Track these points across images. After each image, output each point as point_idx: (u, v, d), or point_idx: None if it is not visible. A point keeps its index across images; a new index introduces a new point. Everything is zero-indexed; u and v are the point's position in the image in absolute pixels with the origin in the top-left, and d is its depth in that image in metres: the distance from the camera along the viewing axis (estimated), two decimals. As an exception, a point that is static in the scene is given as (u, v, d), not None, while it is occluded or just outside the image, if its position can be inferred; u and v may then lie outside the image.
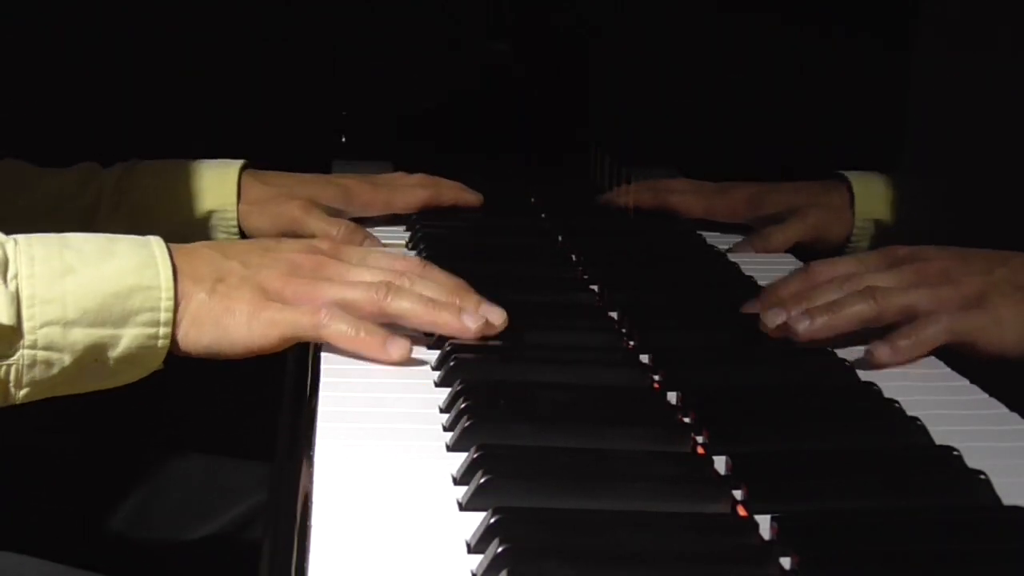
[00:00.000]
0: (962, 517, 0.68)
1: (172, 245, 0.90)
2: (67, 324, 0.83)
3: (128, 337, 0.85)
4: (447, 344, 0.89)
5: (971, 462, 0.72)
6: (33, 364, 0.83)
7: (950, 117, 1.29)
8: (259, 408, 1.12)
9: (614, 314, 1.01)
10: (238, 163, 1.21)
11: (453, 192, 1.30)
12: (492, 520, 0.63)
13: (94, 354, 0.84)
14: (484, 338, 0.92)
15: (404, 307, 0.91)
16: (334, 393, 0.83)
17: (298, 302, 0.90)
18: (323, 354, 0.91)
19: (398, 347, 0.89)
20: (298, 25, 1.62)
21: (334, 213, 1.22)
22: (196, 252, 0.92)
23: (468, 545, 0.64)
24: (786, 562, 0.62)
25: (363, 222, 1.24)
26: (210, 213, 1.18)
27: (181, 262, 0.89)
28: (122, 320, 0.85)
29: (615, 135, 1.58)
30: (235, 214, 1.19)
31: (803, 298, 0.95)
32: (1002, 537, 0.65)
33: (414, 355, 0.91)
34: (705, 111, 1.55)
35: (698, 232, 1.29)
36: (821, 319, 0.93)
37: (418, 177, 1.31)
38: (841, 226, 1.24)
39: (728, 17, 1.54)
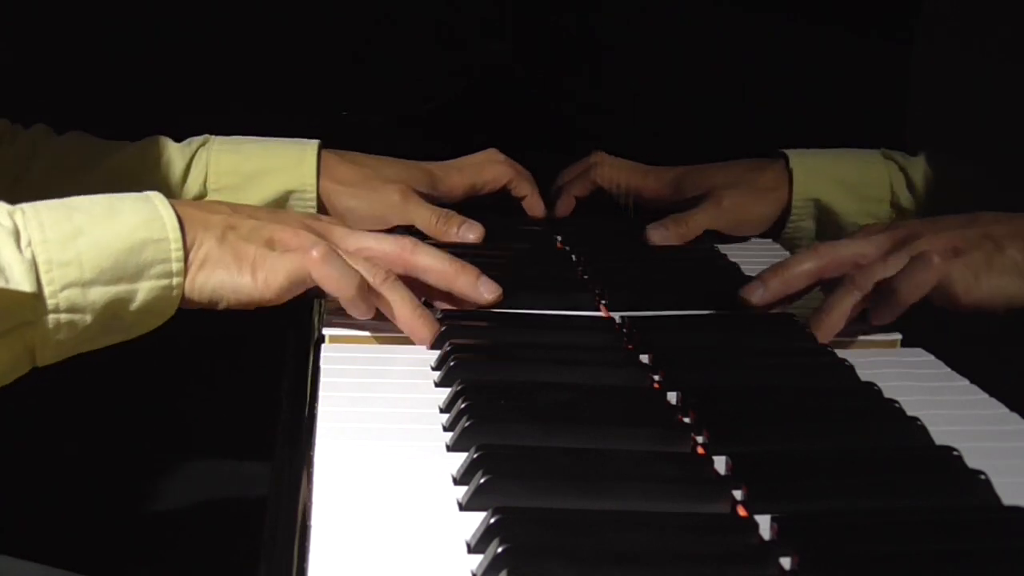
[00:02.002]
0: (962, 517, 0.68)
1: (178, 200, 0.92)
2: (86, 284, 0.85)
3: (144, 290, 0.87)
4: (447, 344, 0.89)
5: (971, 462, 0.72)
6: (58, 327, 0.84)
7: (950, 114, 1.29)
8: (259, 408, 1.12)
9: (614, 314, 1.01)
10: (315, 142, 1.20)
11: (529, 186, 1.29)
12: (492, 520, 0.63)
13: (114, 310, 0.86)
14: (484, 334, 0.93)
15: (427, 262, 0.95)
16: (334, 393, 0.83)
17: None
18: (323, 354, 0.91)
19: (365, 311, 0.92)
20: (298, 25, 1.62)
21: (421, 198, 1.21)
22: (208, 204, 0.95)
23: (468, 545, 0.64)
24: (786, 562, 0.62)
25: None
26: (288, 193, 1.17)
27: (192, 212, 0.91)
28: (137, 274, 0.87)
29: (615, 135, 1.58)
30: (314, 193, 1.17)
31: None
32: (1002, 537, 0.65)
33: (414, 355, 0.91)
34: (705, 110, 1.55)
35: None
36: (824, 329, 0.95)
37: (489, 152, 1.29)
38: (770, 205, 1.23)
39: (728, 16, 1.54)
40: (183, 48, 1.58)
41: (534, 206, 1.30)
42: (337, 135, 1.48)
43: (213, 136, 1.20)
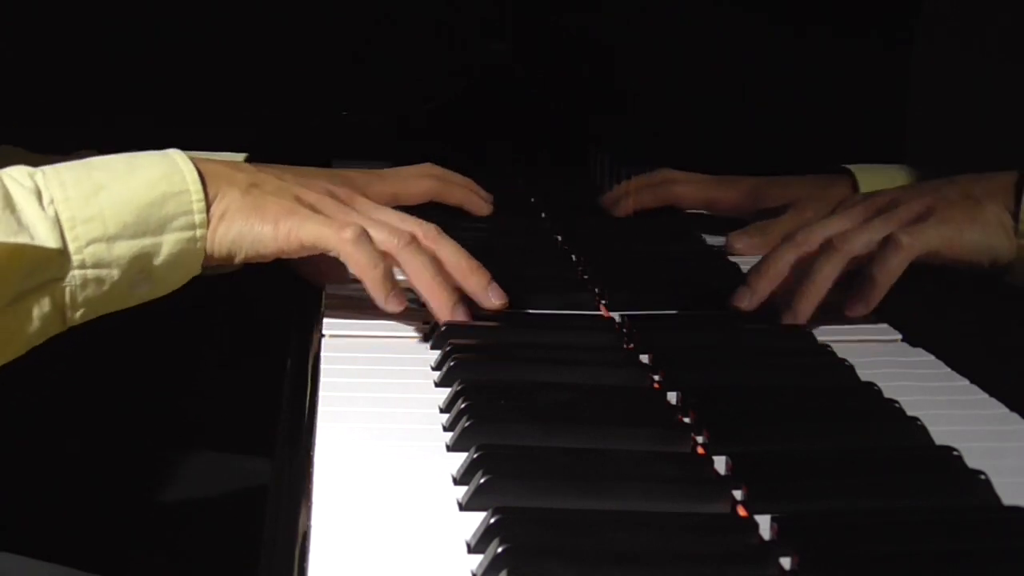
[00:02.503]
0: (962, 517, 0.68)
1: (201, 158, 0.92)
2: (110, 239, 0.85)
3: (169, 243, 0.88)
4: (447, 344, 0.89)
5: (971, 462, 0.72)
6: (85, 283, 0.85)
7: (950, 115, 1.29)
8: (259, 407, 1.12)
9: (614, 314, 1.01)
10: (240, 156, 1.21)
11: (462, 192, 1.30)
12: (492, 520, 0.63)
13: (139, 264, 0.87)
14: (484, 334, 0.94)
15: (445, 253, 0.96)
16: (334, 393, 0.83)
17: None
18: (323, 354, 0.91)
19: (397, 301, 0.93)
20: (298, 25, 1.62)
21: None
22: (232, 163, 0.96)
23: (468, 545, 0.64)
24: (786, 562, 0.62)
25: None
26: None
27: (217, 169, 0.92)
28: (160, 227, 0.88)
29: (615, 135, 1.58)
30: None
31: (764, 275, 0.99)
32: (1002, 537, 0.65)
33: (414, 355, 0.91)
34: (705, 111, 1.55)
35: (698, 232, 1.29)
36: (805, 303, 0.96)
37: (423, 166, 1.30)
38: None
39: (728, 16, 1.54)
40: (183, 48, 1.58)
41: (475, 208, 1.30)
42: (337, 135, 1.48)
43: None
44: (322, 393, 0.83)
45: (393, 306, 0.93)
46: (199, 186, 0.89)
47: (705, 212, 1.32)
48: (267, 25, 1.61)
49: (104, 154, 1.20)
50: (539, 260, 1.19)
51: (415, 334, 0.95)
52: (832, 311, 0.98)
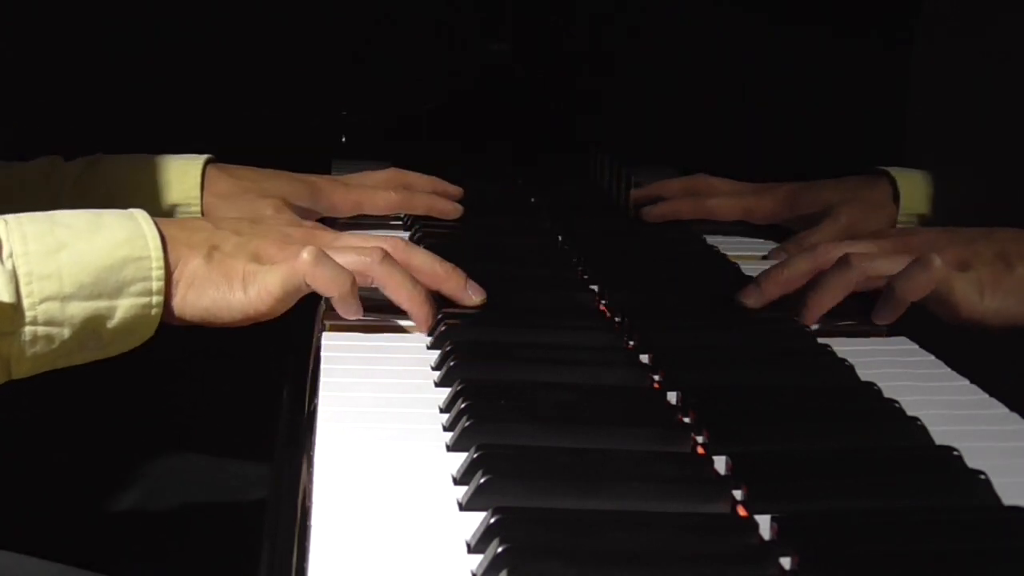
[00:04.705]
0: (962, 517, 0.68)
1: (161, 219, 0.91)
2: (64, 299, 0.84)
3: (123, 308, 0.87)
4: (447, 344, 0.89)
5: (971, 462, 0.72)
6: (34, 340, 0.84)
7: (950, 115, 1.29)
8: (259, 408, 1.12)
9: (615, 314, 1.01)
10: (203, 157, 1.21)
11: (426, 201, 1.29)
12: (492, 520, 0.63)
13: (92, 326, 0.86)
14: (484, 334, 0.94)
15: (417, 262, 0.96)
16: (334, 393, 0.83)
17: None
18: (323, 354, 0.91)
19: (356, 310, 0.93)
20: (298, 25, 1.62)
21: (301, 212, 1.20)
22: (189, 223, 0.95)
23: (468, 545, 0.64)
24: (786, 562, 0.62)
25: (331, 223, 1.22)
26: (174, 207, 1.17)
27: (174, 231, 0.91)
28: (116, 291, 0.86)
29: (615, 135, 1.58)
30: (199, 208, 1.18)
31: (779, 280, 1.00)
32: (1002, 537, 0.65)
33: (414, 355, 0.91)
34: (704, 110, 1.55)
35: (698, 232, 1.29)
36: (808, 313, 0.96)
37: (388, 173, 1.30)
38: (881, 221, 1.22)
39: (728, 16, 1.54)
40: (183, 49, 1.58)
41: (442, 214, 1.29)
42: (337, 135, 1.48)
43: (104, 155, 1.20)
44: (322, 393, 0.83)
45: (353, 315, 0.94)
46: (160, 253, 0.88)
47: (746, 220, 1.31)
48: (267, 25, 1.61)
49: (107, 153, 1.21)
50: (539, 260, 1.18)
51: (415, 334, 0.95)
52: (832, 311, 0.99)
